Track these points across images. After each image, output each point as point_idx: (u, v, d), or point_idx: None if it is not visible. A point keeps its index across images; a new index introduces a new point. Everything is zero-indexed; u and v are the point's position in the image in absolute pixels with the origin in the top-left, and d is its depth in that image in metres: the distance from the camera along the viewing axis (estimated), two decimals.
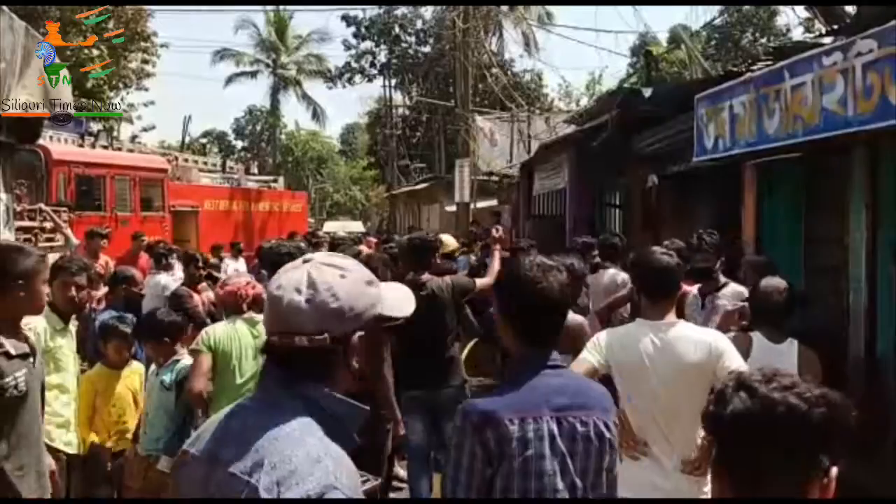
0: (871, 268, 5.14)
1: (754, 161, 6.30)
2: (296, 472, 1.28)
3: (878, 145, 5.06)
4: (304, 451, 1.31)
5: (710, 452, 3.03)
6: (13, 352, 2.78)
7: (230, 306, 4.11)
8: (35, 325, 3.50)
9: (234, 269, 11.23)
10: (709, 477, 2.64)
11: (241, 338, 3.95)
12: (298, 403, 1.39)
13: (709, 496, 2.87)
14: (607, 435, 2.14)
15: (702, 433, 2.86)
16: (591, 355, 3.06)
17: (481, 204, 19.20)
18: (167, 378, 4.02)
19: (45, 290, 3.10)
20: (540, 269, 2.21)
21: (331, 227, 33.73)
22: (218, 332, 3.97)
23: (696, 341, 3.02)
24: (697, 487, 2.99)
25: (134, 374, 4.47)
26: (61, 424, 3.71)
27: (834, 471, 1.26)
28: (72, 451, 3.79)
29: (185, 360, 4.05)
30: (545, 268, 2.22)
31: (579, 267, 4.27)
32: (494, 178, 19.24)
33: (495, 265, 5.21)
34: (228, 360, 3.90)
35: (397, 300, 1.59)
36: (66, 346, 3.80)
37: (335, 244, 10.13)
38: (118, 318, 4.61)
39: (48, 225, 10.22)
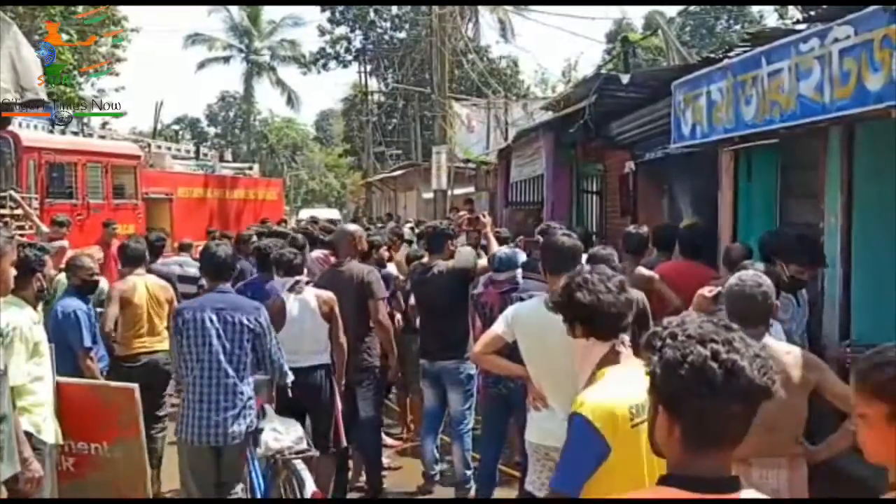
0: (845, 252, 5.21)
1: (731, 147, 6.34)
2: None
3: (854, 131, 5.11)
4: None
5: None
6: None
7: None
8: (18, 320, 3.51)
9: None
10: None
11: None
12: None
13: None
14: (246, 323, 4.14)
15: None
16: (499, 326, 3.74)
17: (458, 191, 19.12)
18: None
19: (13, 272, 3.18)
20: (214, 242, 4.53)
21: (307, 214, 33.49)
22: None
23: None
24: None
25: None
26: (46, 417, 3.73)
27: None
28: (54, 440, 3.77)
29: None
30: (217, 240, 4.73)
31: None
32: (471, 165, 19.20)
33: (493, 245, 5.78)
34: None
35: None
36: (42, 335, 3.79)
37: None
38: None
39: (19, 212, 10.06)
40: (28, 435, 3.47)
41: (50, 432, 3.72)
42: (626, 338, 2.54)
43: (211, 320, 4.10)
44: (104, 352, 5.36)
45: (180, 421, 4.18)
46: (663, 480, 1.45)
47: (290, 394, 4.57)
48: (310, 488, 4.16)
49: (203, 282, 6.09)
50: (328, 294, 4.97)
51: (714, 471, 1.41)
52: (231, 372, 4.09)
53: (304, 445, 4.28)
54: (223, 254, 4.37)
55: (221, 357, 4.07)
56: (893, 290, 5.14)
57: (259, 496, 4.32)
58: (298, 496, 4.16)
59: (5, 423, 2.96)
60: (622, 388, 2.32)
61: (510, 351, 3.86)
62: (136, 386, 4.46)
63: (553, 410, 3.64)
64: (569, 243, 3.77)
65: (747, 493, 1.42)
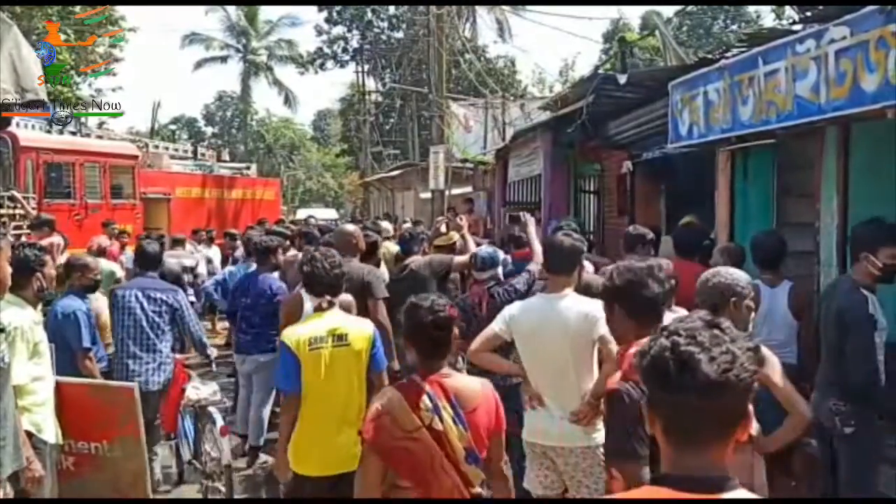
0: (841, 252, 5.23)
1: (728, 147, 6.36)
2: None
3: (850, 131, 5.13)
4: None
5: (597, 408, 3.42)
6: None
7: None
8: (20, 320, 3.52)
9: (207, 257, 11.13)
10: (598, 425, 3.43)
11: None
12: None
13: (596, 443, 3.47)
14: (165, 299, 5.33)
15: (587, 389, 3.54)
16: (497, 324, 3.77)
17: (456, 191, 19.13)
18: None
19: (8, 269, 3.20)
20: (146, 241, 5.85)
21: (305, 214, 33.44)
22: None
23: (578, 311, 3.58)
24: (584, 434, 3.55)
25: None
26: (47, 416, 3.74)
27: (750, 407, 1.41)
28: (54, 440, 3.79)
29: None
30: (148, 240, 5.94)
31: None
32: (469, 164, 19.21)
33: (470, 245, 6.08)
34: None
35: None
36: (43, 335, 3.79)
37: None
38: None
39: (19, 212, 10.07)
40: (29, 434, 3.48)
41: (50, 432, 3.73)
42: (329, 297, 3.64)
43: (136, 297, 5.33)
44: (104, 352, 5.38)
45: (115, 369, 5.35)
46: (658, 480, 1.44)
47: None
48: (219, 424, 5.17)
49: (200, 269, 7.74)
50: (345, 296, 4.96)
51: (703, 469, 1.39)
52: (151, 335, 5.30)
53: (217, 397, 5.40)
54: (152, 250, 5.69)
55: (144, 324, 5.29)
56: (890, 289, 5.17)
57: (189, 438, 5.47)
58: (212, 430, 5.22)
59: (10, 417, 2.97)
60: (310, 326, 3.58)
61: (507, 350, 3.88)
62: (135, 385, 4.48)
63: (549, 409, 3.67)
64: (568, 243, 3.81)
65: (737, 493, 1.40)
